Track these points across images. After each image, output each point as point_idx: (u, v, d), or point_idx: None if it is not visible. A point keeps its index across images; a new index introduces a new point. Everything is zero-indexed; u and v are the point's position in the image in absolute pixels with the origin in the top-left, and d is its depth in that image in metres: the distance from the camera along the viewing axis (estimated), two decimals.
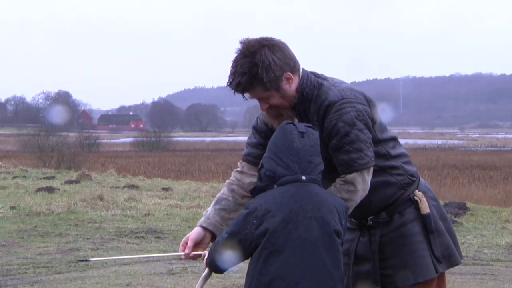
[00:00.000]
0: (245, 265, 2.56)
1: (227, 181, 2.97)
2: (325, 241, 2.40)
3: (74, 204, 12.03)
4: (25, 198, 12.99)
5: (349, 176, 2.64)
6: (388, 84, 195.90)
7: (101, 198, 12.68)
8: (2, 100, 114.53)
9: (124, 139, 68.56)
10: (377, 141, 2.75)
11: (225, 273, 2.73)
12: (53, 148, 33.02)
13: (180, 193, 14.94)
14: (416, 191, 2.81)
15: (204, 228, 2.84)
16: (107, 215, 11.03)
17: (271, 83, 2.63)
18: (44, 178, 18.77)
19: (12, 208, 11.61)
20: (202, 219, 2.87)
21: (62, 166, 26.56)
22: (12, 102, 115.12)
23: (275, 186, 2.46)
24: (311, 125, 2.63)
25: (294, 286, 2.35)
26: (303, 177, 2.44)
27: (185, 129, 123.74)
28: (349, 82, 2.90)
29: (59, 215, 10.95)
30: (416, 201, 2.79)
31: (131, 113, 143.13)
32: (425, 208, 2.79)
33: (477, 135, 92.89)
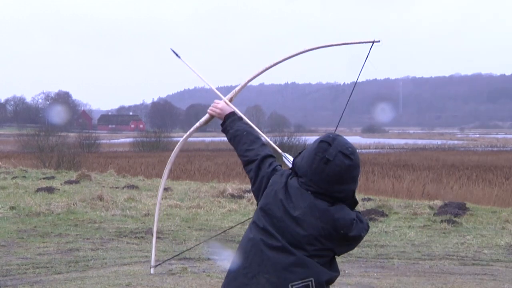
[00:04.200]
0: None
1: None
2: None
3: (74, 204, 12.03)
4: (25, 198, 12.99)
5: None
6: (388, 84, 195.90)
7: (100, 198, 12.68)
8: (2, 100, 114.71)
9: (124, 139, 68.65)
10: None
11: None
12: (53, 148, 32.99)
13: (180, 193, 14.94)
14: None
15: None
16: (107, 215, 11.02)
17: None
18: (43, 178, 18.75)
19: (12, 208, 11.60)
20: None
21: (62, 166, 26.57)
22: (12, 102, 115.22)
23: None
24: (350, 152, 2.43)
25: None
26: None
27: (185, 129, 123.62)
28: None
29: (58, 215, 10.95)
30: None
31: (131, 113, 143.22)
32: None
33: (477, 135, 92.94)
